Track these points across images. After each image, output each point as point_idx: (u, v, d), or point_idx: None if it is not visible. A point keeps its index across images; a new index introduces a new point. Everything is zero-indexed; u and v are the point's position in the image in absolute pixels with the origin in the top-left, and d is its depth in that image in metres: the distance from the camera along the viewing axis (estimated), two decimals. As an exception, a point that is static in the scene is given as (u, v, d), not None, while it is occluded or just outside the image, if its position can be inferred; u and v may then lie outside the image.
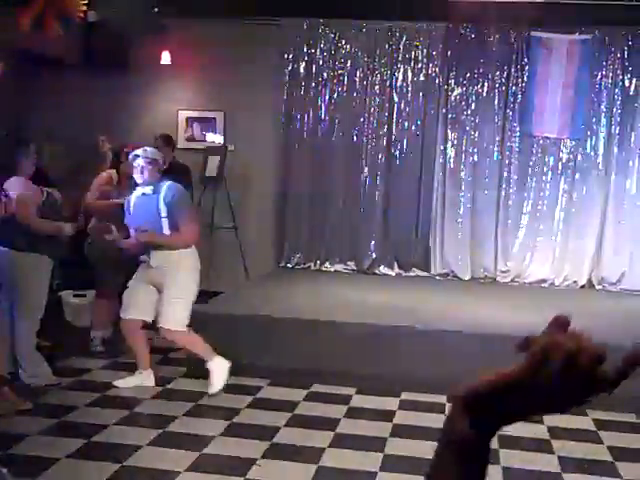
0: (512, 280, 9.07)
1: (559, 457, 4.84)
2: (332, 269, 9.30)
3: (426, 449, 4.77)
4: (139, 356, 5.89)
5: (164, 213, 5.53)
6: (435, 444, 0.96)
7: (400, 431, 5.15)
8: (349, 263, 9.33)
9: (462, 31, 8.97)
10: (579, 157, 8.93)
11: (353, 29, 9.20)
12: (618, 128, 8.83)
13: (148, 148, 5.73)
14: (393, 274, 9.22)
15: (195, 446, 4.74)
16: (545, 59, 8.82)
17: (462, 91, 9.09)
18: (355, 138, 9.28)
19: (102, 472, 4.30)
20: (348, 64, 9.25)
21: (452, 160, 9.14)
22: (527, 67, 8.91)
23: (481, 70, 9.01)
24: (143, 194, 5.63)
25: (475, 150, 9.10)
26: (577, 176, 8.93)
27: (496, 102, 9.03)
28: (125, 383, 5.82)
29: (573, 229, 8.95)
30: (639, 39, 8.72)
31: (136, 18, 8.15)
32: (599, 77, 8.82)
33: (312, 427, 5.18)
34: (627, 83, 8.81)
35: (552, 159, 8.98)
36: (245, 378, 6.05)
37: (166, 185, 5.62)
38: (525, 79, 8.93)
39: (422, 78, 9.16)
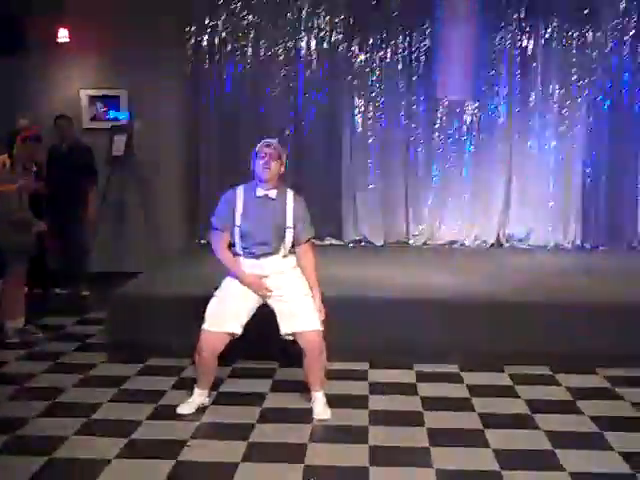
0: (424, 243, 9.26)
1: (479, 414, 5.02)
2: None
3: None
4: (208, 375, 5.11)
5: (290, 223, 4.99)
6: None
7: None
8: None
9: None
10: (482, 118, 9.14)
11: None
12: (518, 89, 9.05)
13: (274, 140, 5.01)
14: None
15: (125, 431, 4.71)
16: (446, 22, 8.91)
17: (367, 57, 9.14)
18: (262, 109, 9.24)
19: (29, 466, 4.23)
20: (251, 35, 9.17)
21: (359, 126, 9.22)
22: (428, 31, 9.02)
23: (384, 36, 9.07)
24: (266, 196, 4.95)
25: (382, 116, 9.19)
26: (482, 137, 9.15)
27: (400, 67, 9.13)
28: (189, 408, 5.06)
29: (480, 189, 9.19)
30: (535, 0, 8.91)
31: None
32: (498, 39, 9.00)
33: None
34: (525, 43, 9.02)
35: (456, 121, 9.17)
36: (170, 359, 6.02)
37: (293, 194, 5.03)
38: (427, 43, 9.04)
39: (326, 46, 9.17)
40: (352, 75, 9.17)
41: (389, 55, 9.13)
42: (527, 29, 8.99)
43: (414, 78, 9.14)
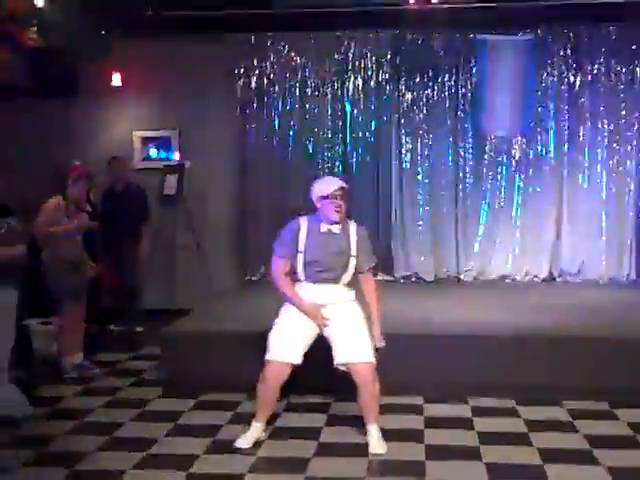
0: (475, 278, 9.22)
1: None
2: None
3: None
4: (268, 407, 5.12)
5: (354, 252, 5.03)
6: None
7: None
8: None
9: (409, 37, 9.11)
10: (531, 154, 9.13)
11: (302, 40, 9.27)
12: (566, 124, 9.04)
13: (343, 182, 5.04)
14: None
15: (181, 465, 4.73)
16: (491, 60, 8.99)
17: (413, 96, 9.22)
18: (311, 148, 9.35)
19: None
20: (299, 76, 9.32)
21: (408, 164, 9.27)
22: (474, 69, 9.08)
23: (430, 74, 9.16)
24: (329, 231, 5.01)
25: (430, 153, 9.25)
26: (531, 172, 9.15)
27: (447, 105, 9.19)
28: (247, 442, 5.05)
29: (531, 224, 9.16)
30: (580, 36, 8.94)
31: (84, 42, 8.11)
32: (545, 75, 9.02)
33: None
34: (572, 79, 9.03)
35: (505, 157, 9.18)
36: (223, 394, 6.05)
37: (356, 225, 5.12)
38: (474, 81, 9.10)
39: (373, 85, 9.27)
40: (399, 113, 9.25)
41: (436, 93, 9.19)
42: (574, 65, 8.99)
43: (461, 115, 9.18)
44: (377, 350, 5.01)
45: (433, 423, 5.47)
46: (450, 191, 9.21)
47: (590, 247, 9.06)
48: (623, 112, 8.97)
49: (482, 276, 9.24)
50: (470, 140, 9.20)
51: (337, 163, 9.35)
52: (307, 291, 5.02)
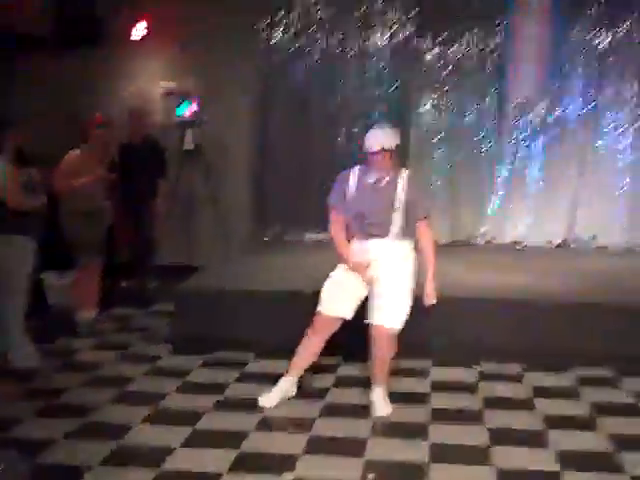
0: (488, 242, 9.16)
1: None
2: (316, 238, 9.31)
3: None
4: (307, 359, 5.20)
5: (399, 204, 4.89)
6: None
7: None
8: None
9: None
10: (554, 116, 8.95)
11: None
12: (591, 88, 8.88)
13: (382, 134, 4.91)
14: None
15: (189, 421, 4.83)
16: (518, 18, 8.84)
17: (439, 51, 9.06)
18: (333, 104, 9.26)
19: (100, 450, 4.38)
20: (323, 29, 9.18)
21: (428, 124, 9.16)
22: (500, 27, 8.89)
23: (457, 31, 8.97)
24: (379, 180, 4.95)
25: (452, 111, 9.12)
26: (552, 135, 8.98)
27: (472, 63, 9.02)
28: (269, 400, 5.12)
29: (550, 190, 9.03)
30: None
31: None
32: (574, 32, 8.81)
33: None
34: (600, 39, 8.84)
35: (528, 120, 9.00)
36: (233, 352, 6.14)
37: (408, 174, 4.99)
38: (499, 39, 8.93)
39: (398, 39, 9.13)
40: (424, 69, 9.11)
41: (462, 50, 9.03)
42: (604, 22, 8.75)
43: (486, 73, 9.01)
44: (428, 308, 5.03)
45: (440, 386, 5.52)
46: (469, 151, 9.08)
47: (607, 214, 8.90)
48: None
49: (496, 240, 9.16)
50: (493, 100, 9.03)
51: (359, 120, 9.12)
52: (358, 246, 5.01)
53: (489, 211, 9.18)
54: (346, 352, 5.88)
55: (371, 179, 4.92)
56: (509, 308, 6.10)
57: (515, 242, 9.12)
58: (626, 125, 8.86)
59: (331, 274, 5.09)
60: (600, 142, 8.93)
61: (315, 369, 5.48)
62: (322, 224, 9.07)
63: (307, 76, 9.28)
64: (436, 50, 9.06)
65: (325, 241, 8.96)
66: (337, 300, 5.03)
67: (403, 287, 4.93)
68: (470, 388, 5.51)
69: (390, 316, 4.94)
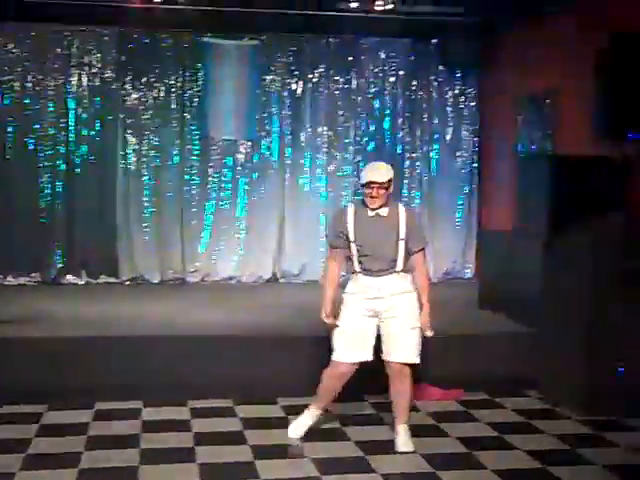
0: (202, 279, 9.32)
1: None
2: (15, 282, 8.90)
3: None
4: (327, 398, 5.19)
5: (403, 235, 4.93)
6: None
7: (95, 443, 5.11)
8: (33, 275, 8.99)
9: (135, 36, 9.01)
10: (256, 157, 9.39)
11: (21, 33, 8.84)
12: (289, 129, 9.40)
13: (381, 172, 4.92)
14: (82, 282, 9.06)
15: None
16: (216, 64, 9.15)
17: (139, 95, 9.13)
18: (32, 146, 8.95)
19: None
20: (19, 69, 8.88)
21: (134, 165, 9.17)
22: (200, 72, 9.18)
23: (157, 74, 9.13)
24: (378, 215, 4.96)
25: (156, 154, 9.21)
26: (255, 176, 9.38)
27: (173, 106, 9.21)
28: (299, 430, 5.19)
29: (255, 227, 9.40)
30: (301, 45, 9.37)
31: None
32: (268, 80, 9.33)
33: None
34: (294, 86, 9.42)
35: (231, 160, 9.34)
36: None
37: (404, 208, 5.09)
38: (200, 83, 9.20)
39: (98, 83, 9.07)
40: (124, 113, 9.12)
41: (162, 94, 9.17)
42: (296, 72, 9.39)
43: (188, 117, 9.24)
44: (424, 338, 5.00)
45: (152, 428, 5.45)
46: (176, 193, 9.24)
47: (311, 249, 9.43)
48: (341, 119, 9.50)
49: (208, 277, 9.36)
50: (196, 142, 9.28)
51: (59, 162, 9.02)
52: (359, 283, 4.97)
53: (199, 249, 9.32)
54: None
55: (370, 213, 4.93)
56: (218, 344, 6.21)
57: (227, 278, 9.34)
58: (323, 165, 9.47)
59: (338, 322, 4.99)
60: (301, 181, 9.46)
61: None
62: (25, 267, 8.81)
63: (3, 117, 8.89)
64: (137, 94, 9.11)
65: (27, 284, 8.70)
66: (351, 346, 4.99)
67: (413, 321, 4.95)
68: (183, 426, 5.50)
69: (410, 351, 4.96)
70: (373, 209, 4.92)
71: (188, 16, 8.49)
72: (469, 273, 9.76)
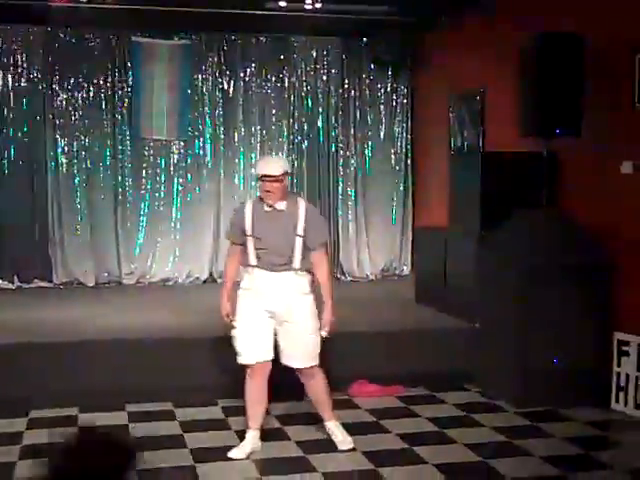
0: (137, 281, 9.20)
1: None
2: None
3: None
4: (258, 409, 5.00)
5: (300, 232, 4.85)
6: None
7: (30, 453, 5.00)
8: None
9: (62, 35, 8.85)
10: (189, 157, 9.31)
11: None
12: (222, 128, 9.35)
13: (274, 165, 4.88)
14: (13, 287, 8.86)
15: None
16: (147, 63, 9.04)
17: (68, 96, 8.97)
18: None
19: None
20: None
21: (65, 167, 9.01)
22: (131, 72, 9.06)
23: (85, 74, 8.98)
24: (274, 209, 4.89)
25: (87, 155, 9.06)
26: (190, 176, 9.30)
27: (104, 106, 9.07)
28: (241, 453, 4.92)
29: (191, 227, 9.32)
30: (233, 44, 9.30)
31: None
32: (200, 80, 9.25)
33: None
34: (226, 86, 9.36)
35: (164, 160, 9.25)
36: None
37: (305, 203, 5.01)
38: (130, 83, 9.07)
39: (24, 83, 8.87)
40: (53, 113, 8.94)
41: (92, 94, 9.02)
42: (227, 72, 9.33)
43: (119, 117, 9.11)
44: (323, 339, 4.92)
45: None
46: (109, 195, 9.11)
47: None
48: (274, 119, 9.49)
49: (144, 279, 9.25)
50: (128, 143, 9.15)
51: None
52: (255, 279, 4.86)
53: (135, 251, 9.20)
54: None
55: (267, 208, 4.85)
56: (154, 346, 6.14)
57: (164, 280, 9.25)
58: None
59: (235, 323, 4.90)
60: (236, 181, 9.41)
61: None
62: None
63: None
64: (65, 94, 8.95)
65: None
66: (255, 346, 4.88)
67: (309, 324, 4.87)
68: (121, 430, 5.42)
69: (306, 356, 4.90)
70: (269, 205, 4.86)
71: (117, 15, 8.34)
72: (406, 270, 9.84)
